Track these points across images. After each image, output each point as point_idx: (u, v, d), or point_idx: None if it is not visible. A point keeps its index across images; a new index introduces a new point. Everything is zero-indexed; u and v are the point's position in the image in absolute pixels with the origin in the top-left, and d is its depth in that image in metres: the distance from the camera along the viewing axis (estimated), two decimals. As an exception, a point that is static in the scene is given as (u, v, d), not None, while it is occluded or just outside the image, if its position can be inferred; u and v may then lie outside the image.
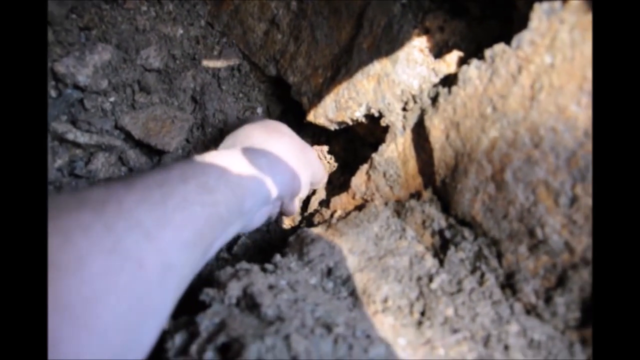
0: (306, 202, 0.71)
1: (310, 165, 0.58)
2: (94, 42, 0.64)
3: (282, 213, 0.62)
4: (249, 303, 0.39)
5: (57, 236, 0.30)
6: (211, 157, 0.45)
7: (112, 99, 0.65)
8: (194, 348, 0.35)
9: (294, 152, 0.54)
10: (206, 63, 0.71)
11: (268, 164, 0.49)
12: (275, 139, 0.54)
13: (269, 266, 0.45)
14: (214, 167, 0.43)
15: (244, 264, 0.44)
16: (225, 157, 0.46)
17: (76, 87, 0.62)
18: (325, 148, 0.73)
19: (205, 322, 0.37)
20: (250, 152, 0.49)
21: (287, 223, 0.70)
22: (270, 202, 0.51)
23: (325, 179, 0.68)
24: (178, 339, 0.37)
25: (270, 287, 0.40)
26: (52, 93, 0.62)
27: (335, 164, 0.72)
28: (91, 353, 0.30)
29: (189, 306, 0.42)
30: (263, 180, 0.47)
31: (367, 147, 0.67)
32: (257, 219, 0.54)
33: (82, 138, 0.62)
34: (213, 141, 0.70)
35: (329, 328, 0.36)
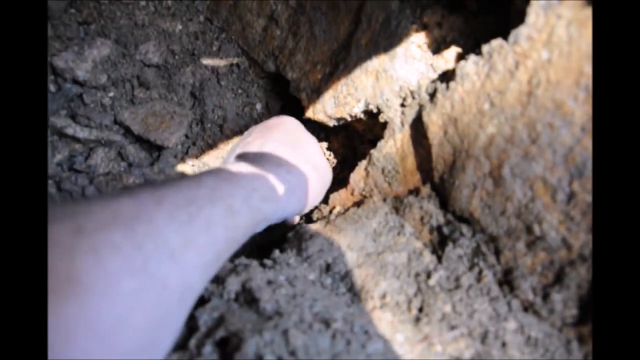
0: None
1: (325, 186, 0.59)
2: (92, 37, 0.64)
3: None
4: (248, 298, 0.39)
5: (88, 255, 0.30)
6: (238, 177, 0.45)
7: (111, 94, 0.65)
8: (192, 342, 0.35)
9: (315, 177, 0.55)
10: (206, 62, 0.71)
11: (288, 193, 0.50)
12: (301, 162, 0.54)
13: (267, 262, 0.45)
14: (240, 189, 0.44)
15: (242, 259, 0.44)
16: (252, 180, 0.46)
17: (75, 81, 0.62)
18: (324, 145, 0.73)
19: (204, 317, 0.37)
20: (275, 176, 0.49)
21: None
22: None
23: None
24: (176, 333, 0.38)
25: (269, 282, 0.40)
26: (52, 88, 0.62)
27: (334, 161, 0.72)
28: None
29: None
30: (281, 206, 0.48)
31: (366, 143, 0.67)
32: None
33: (82, 133, 0.62)
34: (212, 137, 0.70)
35: (327, 323, 0.36)
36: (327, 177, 0.60)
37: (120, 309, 0.30)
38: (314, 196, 0.55)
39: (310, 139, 0.59)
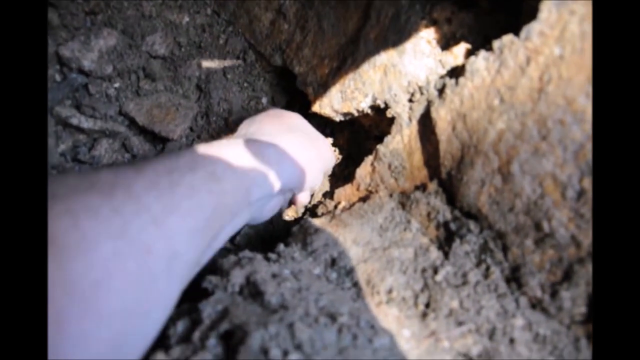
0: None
1: (322, 159, 0.58)
2: (99, 27, 0.63)
3: (292, 202, 0.62)
4: (252, 291, 0.39)
5: (65, 218, 0.30)
6: (220, 146, 0.45)
7: (116, 85, 0.65)
8: (196, 335, 0.35)
9: (305, 144, 0.54)
10: (207, 63, 0.71)
11: (276, 156, 0.49)
12: (286, 131, 0.54)
13: (272, 255, 0.44)
14: (222, 156, 0.43)
15: (247, 253, 0.44)
16: (234, 147, 0.46)
17: (81, 71, 0.62)
18: (330, 140, 0.73)
19: (208, 310, 0.37)
20: (258, 144, 0.49)
21: (290, 214, 0.70)
22: (278, 194, 0.51)
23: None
24: (180, 325, 0.37)
25: (274, 275, 0.40)
26: (57, 77, 0.61)
27: (340, 156, 0.72)
28: (96, 336, 0.30)
29: (192, 294, 0.42)
30: (270, 171, 0.47)
31: (372, 139, 0.66)
32: (267, 211, 0.55)
33: (86, 123, 0.61)
34: (217, 130, 0.70)
35: (333, 317, 0.35)
36: (326, 150, 0.60)
37: (98, 271, 0.30)
38: (312, 169, 0.55)
39: (299, 118, 0.59)
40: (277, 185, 0.49)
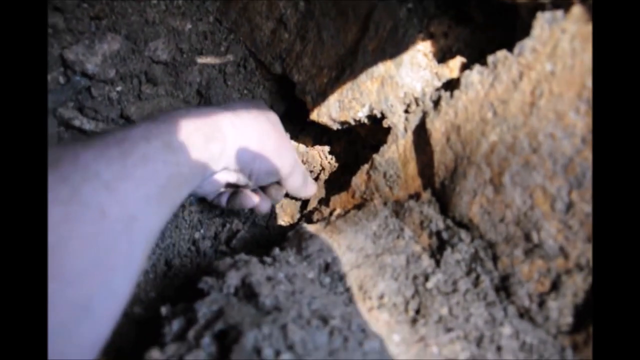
0: (305, 202, 0.72)
1: (279, 154, 0.56)
2: (103, 32, 0.64)
3: (268, 195, 0.61)
4: (247, 293, 0.39)
5: None
6: (178, 116, 0.44)
7: (119, 89, 0.66)
8: (191, 334, 0.36)
9: (266, 128, 0.54)
10: (208, 70, 0.72)
11: (233, 131, 0.48)
12: (252, 114, 0.53)
13: (267, 259, 0.45)
14: (180, 128, 0.43)
15: (243, 256, 0.45)
16: (193, 119, 0.45)
17: (84, 74, 0.63)
18: (327, 148, 0.74)
19: (203, 309, 0.38)
20: (220, 117, 0.48)
21: (285, 220, 0.70)
22: (229, 170, 0.51)
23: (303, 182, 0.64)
24: (175, 324, 0.38)
25: (269, 278, 0.41)
26: (61, 79, 0.62)
27: (336, 165, 0.73)
28: (62, 297, 0.31)
29: (187, 294, 0.43)
30: (228, 147, 0.47)
31: (368, 149, 0.67)
32: (208, 184, 0.53)
33: (88, 125, 0.62)
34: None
35: (325, 320, 0.36)
36: (275, 119, 0.58)
37: (52, 236, 0.31)
38: (269, 143, 0.53)
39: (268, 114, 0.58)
40: (232, 161, 0.48)
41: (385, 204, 0.54)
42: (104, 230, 0.34)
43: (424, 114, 0.50)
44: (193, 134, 0.44)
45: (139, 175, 0.37)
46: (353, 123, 0.61)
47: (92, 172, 0.35)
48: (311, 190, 0.65)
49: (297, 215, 0.70)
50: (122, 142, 0.38)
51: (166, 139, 0.41)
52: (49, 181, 0.33)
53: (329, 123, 0.63)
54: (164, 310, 0.40)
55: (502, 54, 0.43)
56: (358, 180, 0.57)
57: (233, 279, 0.41)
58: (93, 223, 0.34)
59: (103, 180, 0.35)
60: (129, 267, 0.37)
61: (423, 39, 0.53)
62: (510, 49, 0.42)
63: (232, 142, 0.48)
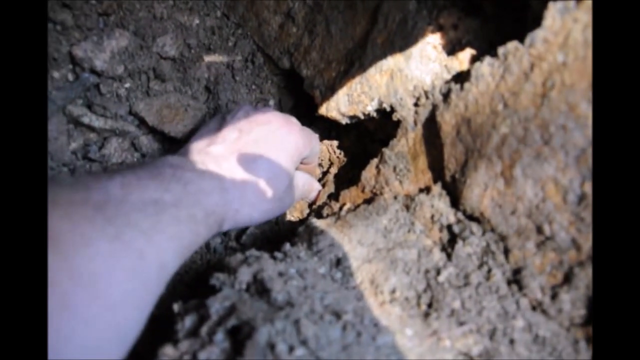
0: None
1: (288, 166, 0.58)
2: (112, 28, 0.64)
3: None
4: (259, 288, 0.40)
5: (65, 221, 0.34)
6: (204, 190, 0.48)
7: (127, 85, 0.66)
8: (204, 330, 0.36)
9: (269, 176, 0.55)
10: (216, 65, 0.72)
11: (243, 198, 0.52)
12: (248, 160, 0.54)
13: (278, 254, 0.45)
14: (201, 199, 0.47)
15: (253, 252, 0.45)
16: (216, 193, 0.49)
17: (93, 71, 0.63)
18: (335, 143, 0.74)
19: (216, 306, 0.38)
20: (230, 186, 0.51)
21: (295, 215, 0.71)
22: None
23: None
24: (188, 321, 0.38)
25: (280, 274, 0.41)
26: (70, 76, 0.63)
27: (345, 159, 0.73)
28: (103, 320, 0.34)
29: (198, 291, 0.43)
30: (241, 211, 0.52)
31: (377, 142, 0.67)
32: None
33: (97, 122, 0.63)
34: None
35: (337, 315, 0.36)
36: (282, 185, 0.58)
37: (97, 264, 0.34)
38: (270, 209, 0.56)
39: (288, 142, 0.58)
40: (245, 221, 0.54)
41: (395, 198, 0.53)
42: (142, 270, 0.38)
43: (434, 107, 0.50)
44: (214, 212, 0.48)
45: (171, 232, 0.42)
46: (362, 117, 0.61)
47: (133, 221, 0.39)
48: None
49: (307, 211, 0.70)
50: (157, 203, 0.42)
51: (192, 211, 0.45)
52: (96, 220, 0.36)
53: (338, 117, 0.62)
54: (176, 307, 0.40)
55: (512, 45, 0.42)
56: (368, 174, 0.57)
57: (245, 274, 0.41)
58: (133, 260, 0.37)
59: (141, 228, 0.39)
60: (149, 310, 0.39)
61: (432, 31, 0.53)
62: (521, 40, 0.42)
63: (247, 209, 0.53)
